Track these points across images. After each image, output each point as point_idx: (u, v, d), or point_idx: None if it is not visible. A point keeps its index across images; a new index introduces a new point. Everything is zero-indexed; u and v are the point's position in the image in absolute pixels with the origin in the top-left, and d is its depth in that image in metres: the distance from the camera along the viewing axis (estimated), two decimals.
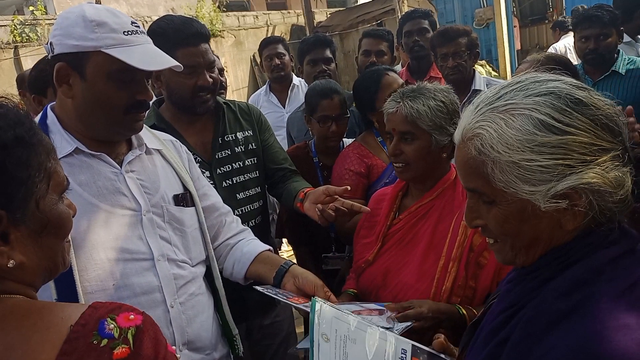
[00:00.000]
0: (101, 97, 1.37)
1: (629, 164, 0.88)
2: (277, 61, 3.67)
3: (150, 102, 3.79)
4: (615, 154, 0.86)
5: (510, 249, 0.96)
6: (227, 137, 2.10)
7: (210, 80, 1.97)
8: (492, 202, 0.93)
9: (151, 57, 1.40)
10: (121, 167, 1.45)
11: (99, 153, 1.42)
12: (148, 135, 1.59)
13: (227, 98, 2.46)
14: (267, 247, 1.76)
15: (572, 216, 0.87)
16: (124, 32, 1.35)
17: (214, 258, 1.68)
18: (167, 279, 1.45)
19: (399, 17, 8.38)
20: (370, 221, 1.87)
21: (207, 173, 2.02)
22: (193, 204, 1.60)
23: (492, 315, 1.02)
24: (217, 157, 2.06)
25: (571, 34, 6.18)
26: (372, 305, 1.58)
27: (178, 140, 1.73)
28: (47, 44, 1.39)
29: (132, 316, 0.82)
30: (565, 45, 5.80)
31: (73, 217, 0.95)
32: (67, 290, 1.28)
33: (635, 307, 0.82)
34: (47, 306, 0.85)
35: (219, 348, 1.63)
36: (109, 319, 0.80)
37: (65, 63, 1.35)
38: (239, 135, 2.14)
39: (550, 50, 5.83)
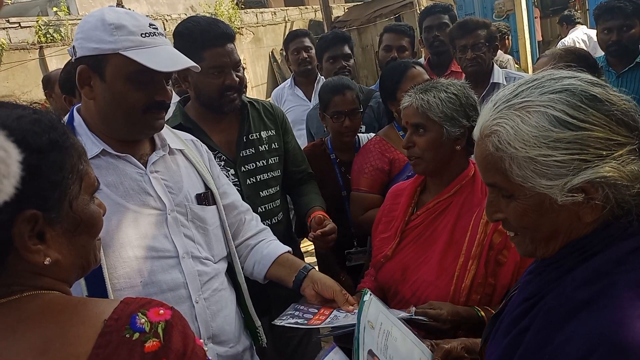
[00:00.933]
0: (120, 98, 1.40)
1: None
2: (305, 55, 3.62)
3: (174, 102, 3.84)
4: (631, 148, 0.87)
5: (530, 242, 0.98)
6: (251, 136, 2.13)
7: (237, 79, 2.01)
8: (511, 196, 0.95)
9: (168, 59, 1.42)
10: (146, 168, 1.48)
11: (124, 154, 1.45)
12: (170, 135, 1.61)
13: (246, 95, 2.49)
14: (287, 248, 1.79)
15: (590, 209, 0.88)
16: (141, 34, 1.37)
17: (236, 254, 1.71)
18: (191, 276, 1.48)
19: (418, 10, 8.33)
20: (388, 216, 1.88)
21: (232, 171, 2.06)
22: (214, 202, 1.63)
23: (512, 306, 1.04)
24: (241, 155, 2.09)
25: (579, 27, 6.08)
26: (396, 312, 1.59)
27: (198, 140, 1.76)
28: (70, 47, 1.43)
29: (162, 311, 0.85)
30: (574, 39, 5.68)
31: (103, 216, 0.98)
32: (97, 288, 1.32)
33: None
34: (82, 301, 0.89)
35: (242, 340, 1.66)
36: (140, 314, 0.83)
37: (87, 65, 1.39)
38: (263, 134, 2.17)
39: (559, 45, 5.71)
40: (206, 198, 1.60)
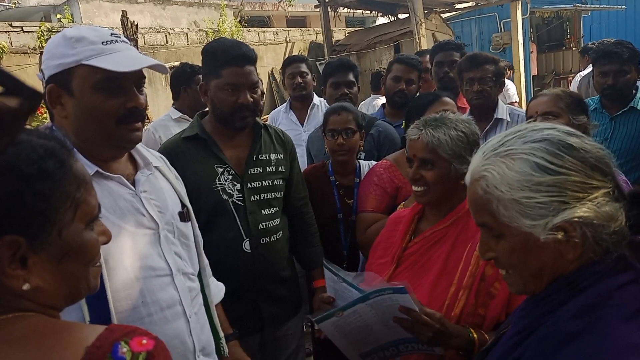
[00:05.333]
0: (91, 110, 1.36)
1: (622, 200, 0.98)
2: (299, 80, 3.69)
3: (174, 117, 3.84)
4: (606, 191, 0.97)
5: (520, 278, 1.05)
6: (261, 156, 2.20)
7: (251, 99, 2.08)
8: (500, 235, 1.03)
9: (129, 60, 1.38)
10: (135, 188, 1.48)
11: (117, 175, 1.45)
12: (148, 154, 1.62)
13: None
14: (220, 297, 1.87)
15: (572, 247, 0.96)
16: (102, 42, 1.36)
17: (205, 268, 1.75)
18: (184, 292, 1.52)
19: (417, 39, 8.47)
20: (387, 242, 1.92)
21: (238, 186, 2.13)
22: (189, 219, 1.66)
23: (504, 340, 1.09)
24: (249, 172, 2.16)
25: None
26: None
27: (165, 158, 1.77)
28: (39, 72, 1.41)
29: (145, 341, 0.83)
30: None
31: (107, 243, 0.98)
32: (100, 312, 1.31)
33: None
34: (67, 326, 0.87)
35: (214, 352, 1.69)
36: (122, 342, 0.80)
37: (54, 84, 1.37)
38: (272, 156, 2.24)
39: (577, 77, 5.75)
40: (185, 215, 1.63)
